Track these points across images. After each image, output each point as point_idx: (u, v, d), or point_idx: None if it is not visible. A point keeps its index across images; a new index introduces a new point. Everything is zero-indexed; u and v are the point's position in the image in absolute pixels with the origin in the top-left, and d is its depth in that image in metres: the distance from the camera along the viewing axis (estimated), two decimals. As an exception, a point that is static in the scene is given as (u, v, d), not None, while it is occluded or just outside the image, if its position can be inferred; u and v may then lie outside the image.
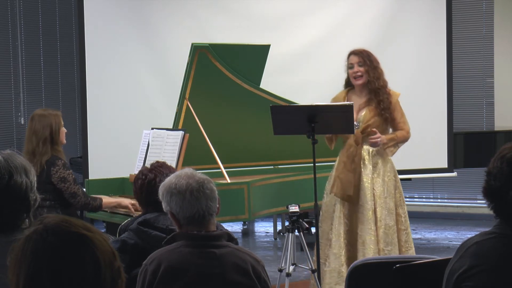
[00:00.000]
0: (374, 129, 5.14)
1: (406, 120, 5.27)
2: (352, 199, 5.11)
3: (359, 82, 5.18)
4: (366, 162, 5.17)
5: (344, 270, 5.04)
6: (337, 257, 5.09)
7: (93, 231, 1.58)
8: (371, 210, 5.08)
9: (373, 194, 5.12)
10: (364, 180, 5.14)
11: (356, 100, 5.20)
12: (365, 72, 5.16)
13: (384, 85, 5.19)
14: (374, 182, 5.14)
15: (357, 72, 5.17)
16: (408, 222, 5.26)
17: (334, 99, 5.30)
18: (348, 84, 5.31)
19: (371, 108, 5.17)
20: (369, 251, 5.00)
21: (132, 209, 5.07)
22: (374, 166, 5.17)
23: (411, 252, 5.21)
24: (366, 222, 5.07)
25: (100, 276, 1.54)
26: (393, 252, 5.10)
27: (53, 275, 1.52)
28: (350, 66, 5.22)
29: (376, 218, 5.10)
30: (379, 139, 5.09)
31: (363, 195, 5.11)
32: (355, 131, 5.12)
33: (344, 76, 5.34)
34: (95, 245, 1.56)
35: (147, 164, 3.82)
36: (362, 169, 5.15)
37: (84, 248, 1.55)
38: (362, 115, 5.16)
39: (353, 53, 5.24)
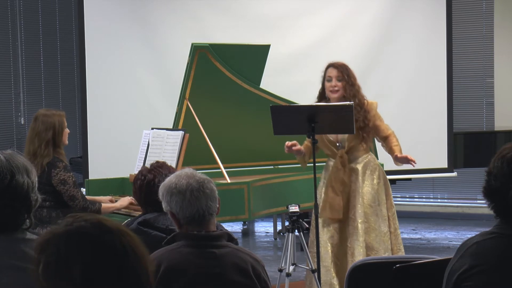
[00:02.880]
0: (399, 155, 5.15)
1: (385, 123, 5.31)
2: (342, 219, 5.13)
3: (335, 95, 5.14)
4: (357, 176, 5.15)
5: (336, 282, 5.07)
6: (328, 269, 5.09)
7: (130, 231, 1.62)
8: (360, 221, 5.06)
9: (363, 204, 5.11)
10: (354, 193, 5.12)
11: None
12: (342, 88, 5.13)
13: (360, 103, 5.14)
14: (364, 192, 5.13)
15: (335, 86, 5.15)
16: (397, 223, 5.26)
17: None
18: (322, 97, 5.28)
19: None
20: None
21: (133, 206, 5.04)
22: (362, 176, 5.16)
23: (401, 253, 5.22)
24: (355, 235, 5.06)
25: (141, 275, 1.57)
26: None
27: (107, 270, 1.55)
28: (328, 79, 5.17)
29: (370, 226, 5.09)
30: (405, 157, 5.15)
31: (352, 207, 5.11)
32: (340, 152, 5.13)
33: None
34: (136, 243, 1.59)
35: (147, 164, 3.82)
36: (352, 187, 5.14)
37: (127, 242, 1.58)
38: (345, 136, 5.13)
39: (333, 66, 5.17)
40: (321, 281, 5.08)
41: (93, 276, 1.53)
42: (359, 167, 5.16)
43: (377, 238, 5.08)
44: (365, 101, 5.18)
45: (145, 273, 1.59)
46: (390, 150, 5.23)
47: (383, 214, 5.13)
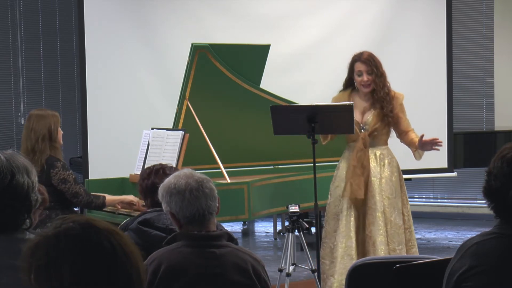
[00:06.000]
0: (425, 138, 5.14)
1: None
2: (362, 202, 5.12)
3: (368, 90, 5.18)
4: (374, 164, 5.17)
5: None
6: (351, 258, 5.06)
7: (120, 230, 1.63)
8: (380, 211, 5.08)
9: (382, 195, 5.12)
10: (373, 182, 5.14)
11: (360, 102, 5.20)
12: (373, 81, 5.16)
13: (388, 91, 5.19)
14: (383, 183, 5.15)
15: (367, 81, 5.17)
16: (412, 220, 5.29)
17: (335, 100, 5.28)
18: (348, 85, 5.30)
19: (376, 112, 5.17)
20: (379, 252, 4.99)
21: (138, 203, 5.02)
22: (381, 167, 5.18)
23: (414, 251, 5.24)
24: (376, 223, 5.06)
25: (132, 274, 1.57)
26: (403, 251, 5.11)
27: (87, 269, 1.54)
28: (358, 74, 5.18)
29: (386, 218, 5.10)
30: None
31: (372, 197, 5.12)
32: (363, 134, 5.13)
33: (343, 76, 5.32)
34: (126, 242, 1.60)
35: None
36: (371, 172, 5.15)
37: (115, 241, 1.58)
38: (369, 119, 5.16)
39: (361, 61, 5.18)
40: (346, 270, 5.04)
41: (83, 277, 1.53)
42: (375, 155, 5.17)
43: (392, 230, 5.09)
44: (392, 91, 5.21)
45: (136, 271, 1.59)
46: (410, 141, 5.23)
47: (398, 207, 5.15)
